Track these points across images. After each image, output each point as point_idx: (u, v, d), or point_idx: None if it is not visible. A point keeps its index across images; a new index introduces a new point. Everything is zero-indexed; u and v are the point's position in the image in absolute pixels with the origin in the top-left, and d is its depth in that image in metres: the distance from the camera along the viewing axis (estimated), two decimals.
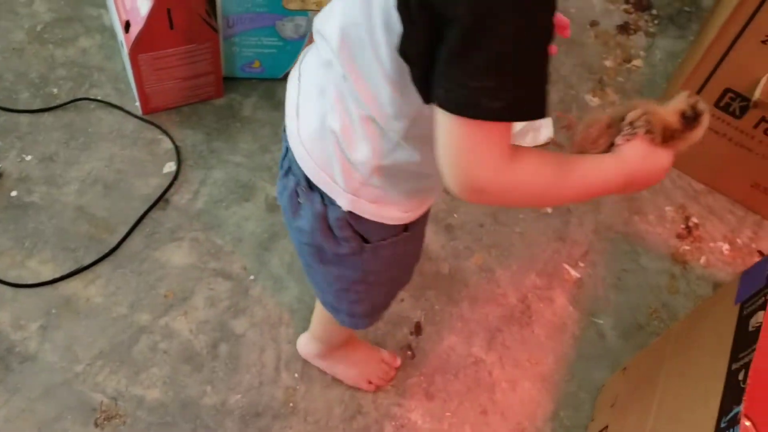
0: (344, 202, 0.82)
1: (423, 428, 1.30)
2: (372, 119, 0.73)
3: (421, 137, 0.72)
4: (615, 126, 0.75)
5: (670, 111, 0.74)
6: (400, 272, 1.05)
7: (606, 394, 1.33)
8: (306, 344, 1.32)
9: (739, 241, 1.64)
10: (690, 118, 0.74)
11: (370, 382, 1.31)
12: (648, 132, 0.73)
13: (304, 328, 1.36)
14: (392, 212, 0.85)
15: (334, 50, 0.73)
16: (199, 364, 1.31)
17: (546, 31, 0.60)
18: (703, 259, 1.60)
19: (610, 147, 0.75)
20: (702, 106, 0.75)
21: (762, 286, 0.86)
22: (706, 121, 0.75)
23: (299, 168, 0.84)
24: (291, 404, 1.29)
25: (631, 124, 0.74)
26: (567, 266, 1.53)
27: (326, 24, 0.76)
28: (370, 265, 0.93)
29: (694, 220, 1.66)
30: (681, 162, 1.72)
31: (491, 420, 1.33)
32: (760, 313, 0.82)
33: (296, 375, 1.32)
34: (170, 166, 1.52)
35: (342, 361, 1.31)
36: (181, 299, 1.37)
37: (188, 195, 1.49)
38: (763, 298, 0.83)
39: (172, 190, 1.49)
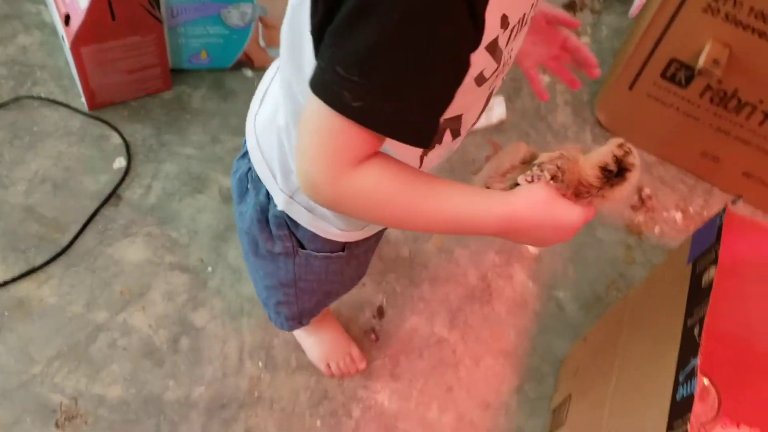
0: (281, 201, 0.80)
1: (390, 408, 1.30)
2: None
3: None
4: (527, 163, 0.66)
5: (592, 162, 0.63)
6: (335, 288, 1.02)
7: (568, 364, 1.34)
8: None
9: (691, 209, 1.67)
10: (611, 174, 0.62)
11: (329, 366, 1.30)
12: (554, 178, 0.63)
13: (265, 318, 1.35)
14: (327, 227, 0.82)
15: (284, 38, 0.68)
16: (160, 359, 1.29)
17: (439, 48, 0.53)
18: (657, 229, 1.63)
19: (516, 185, 0.65)
20: (632, 159, 0.62)
21: (712, 243, 0.88)
22: (634, 178, 0.63)
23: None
24: (256, 393, 1.28)
25: (539, 165, 0.64)
26: None
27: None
28: (301, 272, 0.91)
29: (647, 191, 1.68)
30: (631, 135, 1.75)
31: (457, 396, 1.33)
32: (712, 268, 0.84)
33: (260, 364, 1.31)
34: (120, 162, 1.49)
35: (313, 335, 1.30)
36: (138, 295, 1.35)
37: (140, 190, 1.47)
38: (714, 253, 0.85)
39: (123, 185, 1.46)
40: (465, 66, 0.56)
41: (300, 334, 1.32)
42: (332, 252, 0.87)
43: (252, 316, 1.35)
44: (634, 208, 1.65)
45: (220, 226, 1.44)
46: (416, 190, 0.60)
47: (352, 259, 0.91)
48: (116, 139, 1.52)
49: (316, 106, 0.54)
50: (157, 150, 1.52)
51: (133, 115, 1.56)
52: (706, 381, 1.15)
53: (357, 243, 0.88)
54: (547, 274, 1.51)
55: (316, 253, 0.87)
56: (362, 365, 1.32)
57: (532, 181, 0.63)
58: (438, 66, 0.54)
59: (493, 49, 0.59)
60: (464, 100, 0.66)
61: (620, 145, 0.63)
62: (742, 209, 1.69)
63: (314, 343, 1.30)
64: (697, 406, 1.14)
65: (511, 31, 0.61)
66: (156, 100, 1.59)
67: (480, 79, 0.63)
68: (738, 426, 1.34)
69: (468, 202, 0.62)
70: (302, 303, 1.02)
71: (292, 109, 0.71)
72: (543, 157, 0.65)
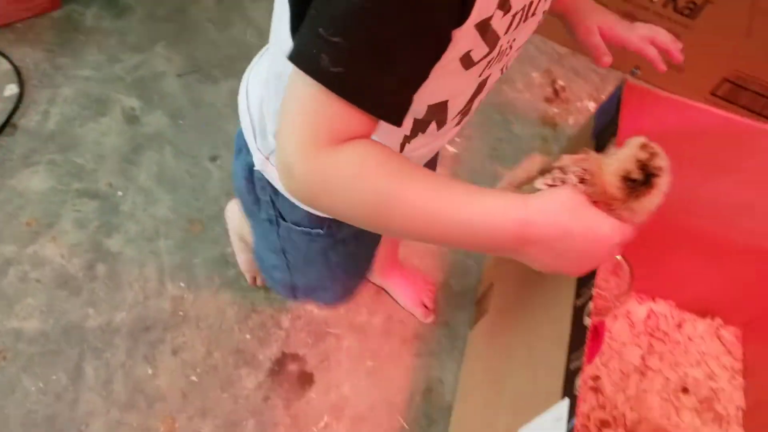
0: (257, 160, 0.75)
1: (319, 316, 1.30)
2: (277, 76, 0.65)
3: None
4: (547, 172, 0.56)
5: (613, 170, 0.53)
6: (326, 274, 0.92)
7: (491, 255, 1.37)
8: None
9: (603, 97, 1.68)
10: (637, 183, 0.53)
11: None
12: (582, 182, 0.52)
13: (183, 239, 1.32)
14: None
15: None
16: (77, 288, 1.25)
17: (419, 13, 0.48)
18: (571, 120, 1.64)
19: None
20: (659, 162, 0.53)
21: (613, 115, 0.88)
22: (663, 183, 0.53)
23: None
24: (181, 313, 1.26)
25: (562, 168, 0.54)
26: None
27: None
28: (286, 245, 0.85)
29: (560, 82, 1.69)
30: (542, 27, 1.74)
31: (385, 299, 1.34)
32: (613, 140, 0.85)
33: (182, 284, 1.29)
34: (12, 89, 1.40)
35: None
36: (47, 225, 1.29)
37: (37, 117, 1.39)
38: (614, 125, 0.86)
39: (17, 113, 1.38)
40: (444, 39, 0.51)
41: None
42: (311, 228, 0.81)
43: (169, 238, 1.32)
44: (548, 100, 1.66)
45: (127, 149, 1.39)
46: (409, 181, 0.50)
47: (337, 244, 0.84)
48: (4, 65, 1.42)
49: (294, 78, 0.50)
50: (51, 74, 1.44)
51: (21, 39, 1.46)
52: (618, 256, 1.18)
53: (339, 225, 0.80)
54: (467, 172, 1.51)
55: (296, 227, 0.81)
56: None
57: (552, 186, 0.53)
58: (417, 34, 0.49)
59: (485, 29, 0.54)
60: (449, 83, 0.61)
61: (643, 146, 0.54)
62: None
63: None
64: (611, 281, 1.18)
65: (513, 17, 0.56)
66: (45, 21, 1.49)
67: (467, 61, 0.56)
68: (654, 300, 1.40)
69: (476, 201, 0.50)
70: (295, 276, 0.94)
71: (274, 69, 0.66)
72: (564, 159, 0.55)
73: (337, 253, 0.85)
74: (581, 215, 0.51)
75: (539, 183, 0.54)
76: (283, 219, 0.80)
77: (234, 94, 1.42)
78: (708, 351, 1.38)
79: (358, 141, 0.50)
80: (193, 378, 1.21)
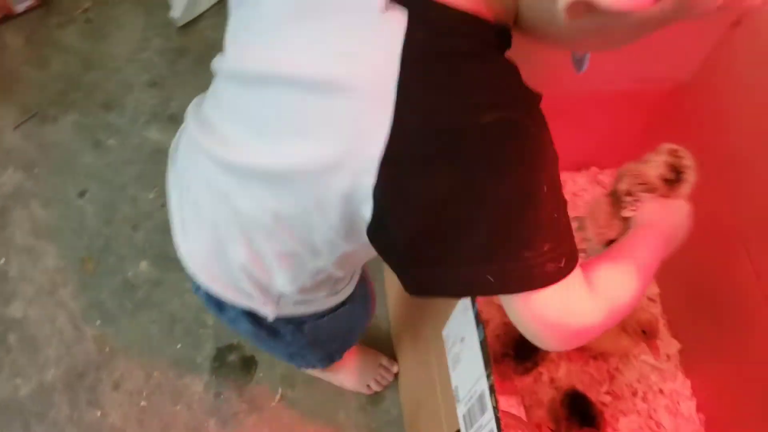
0: (269, 313, 0.74)
1: None
2: (293, 255, 0.65)
3: (350, 261, 0.69)
4: (617, 202, 0.75)
5: (652, 173, 0.74)
6: (353, 325, 0.97)
7: None
8: None
9: None
10: (672, 181, 0.74)
11: (369, 387, 1.26)
12: (648, 191, 0.73)
13: (80, 282, 1.32)
14: (320, 305, 0.79)
15: (248, 187, 0.61)
16: None
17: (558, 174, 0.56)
18: None
19: (625, 223, 0.74)
20: (685, 162, 0.75)
21: None
22: (691, 177, 0.75)
23: None
24: (107, 349, 1.27)
25: (628, 193, 0.74)
26: None
27: (230, 151, 0.61)
28: (312, 336, 0.86)
29: None
30: None
31: None
32: None
33: (98, 323, 1.29)
34: None
35: (340, 370, 1.24)
36: None
37: None
38: None
39: None
40: None
41: (327, 376, 1.25)
42: (335, 311, 0.83)
43: (68, 285, 1.31)
44: None
45: None
46: (630, 265, 0.63)
47: (354, 303, 0.87)
48: None
49: (528, 298, 0.55)
50: None
51: None
52: None
53: (358, 285, 0.85)
54: None
55: (320, 319, 0.82)
56: (395, 369, 1.28)
57: (637, 208, 0.73)
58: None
59: None
60: None
61: (671, 152, 0.75)
62: None
63: (345, 375, 1.25)
64: None
65: None
66: None
67: None
68: None
69: (645, 245, 0.66)
70: (326, 348, 0.97)
71: (269, 247, 0.64)
72: (620, 188, 0.74)
73: (357, 306, 0.89)
74: (672, 210, 0.73)
75: (626, 213, 0.73)
76: (305, 322, 0.81)
77: (77, 126, 1.41)
78: (594, 197, 1.49)
79: (597, 277, 0.60)
80: (143, 403, 1.23)
